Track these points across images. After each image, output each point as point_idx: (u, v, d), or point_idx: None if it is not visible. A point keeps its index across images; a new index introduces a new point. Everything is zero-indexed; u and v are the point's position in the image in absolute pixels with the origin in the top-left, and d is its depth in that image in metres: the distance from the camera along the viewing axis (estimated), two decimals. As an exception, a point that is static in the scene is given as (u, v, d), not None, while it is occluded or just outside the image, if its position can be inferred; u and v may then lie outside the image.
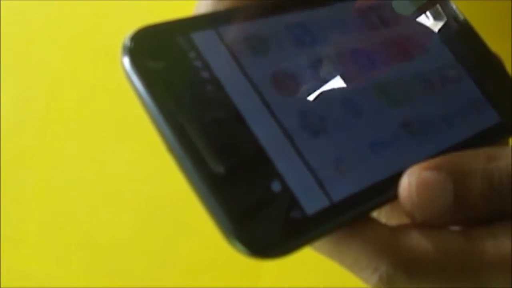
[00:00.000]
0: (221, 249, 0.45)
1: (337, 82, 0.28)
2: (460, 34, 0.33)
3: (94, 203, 0.47)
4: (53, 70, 0.51)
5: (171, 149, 0.23)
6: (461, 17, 0.33)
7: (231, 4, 0.29)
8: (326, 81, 0.27)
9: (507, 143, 0.32)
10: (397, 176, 0.26)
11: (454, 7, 0.34)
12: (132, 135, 0.48)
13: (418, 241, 0.26)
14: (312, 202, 0.24)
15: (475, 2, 0.46)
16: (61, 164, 0.48)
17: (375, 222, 0.26)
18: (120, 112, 0.48)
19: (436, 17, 0.33)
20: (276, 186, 0.24)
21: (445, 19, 0.33)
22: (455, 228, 0.28)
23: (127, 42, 0.24)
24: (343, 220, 0.25)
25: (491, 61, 0.33)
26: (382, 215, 0.29)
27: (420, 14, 0.32)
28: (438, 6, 0.33)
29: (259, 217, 0.23)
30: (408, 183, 0.26)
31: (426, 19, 0.32)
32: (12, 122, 0.50)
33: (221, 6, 0.29)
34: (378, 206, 0.26)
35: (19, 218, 0.47)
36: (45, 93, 0.50)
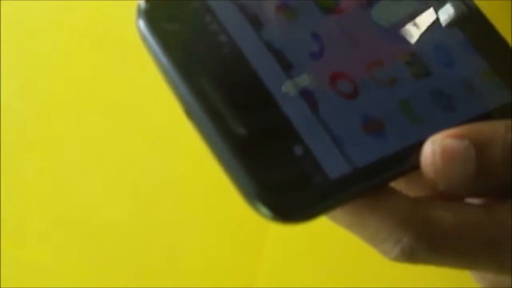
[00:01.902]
0: (221, 237, 0.45)
1: (356, 50, 0.27)
2: (471, 19, 0.33)
3: (94, 192, 0.47)
4: (55, 60, 0.51)
5: (189, 112, 0.22)
6: (472, 5, 0.33)
7: None
8: (349, 45, 0.27)
9: None
10: (419, 146, 0.26)
11: None
12: (132, 125, 0.48)
13: (440, 212, 0.26)
14: (335, 167, 0.24)
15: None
16: (61, 154, 0.48)
17: (397, 193, 0.26)
18: (121, 103, 0.48)
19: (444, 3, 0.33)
20: (298, 150, 0.23)
21: (455, 5, 0.33)
22: (474, 201, 0.27)
23: (142, 4, 0.24)
24: (365, 186, 0.24)
25: (502, 43, 0.33)
26: (398, 188, 0.29)
27: None
28: None
29: (282, 181, 0.22)
30: (431, 150, 0.26)
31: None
32: (14, 112, 0.49)
33: None
34: (399, 175, 0.26)
35: (20, 207, 0.47)
36: (46, 83, 0.50)
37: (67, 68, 0.50)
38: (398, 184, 0.28)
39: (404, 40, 0.30)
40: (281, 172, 0.23)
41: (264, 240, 0.44)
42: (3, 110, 0.49)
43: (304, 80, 0.25)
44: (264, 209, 0.22)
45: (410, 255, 0.25)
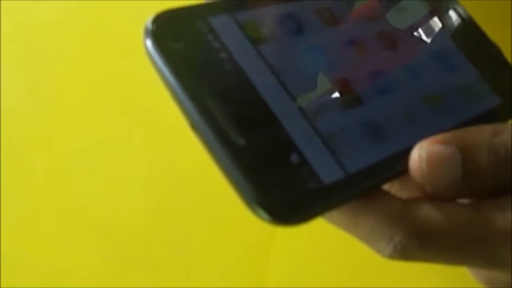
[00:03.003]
0: (229, 237, 0.45)
1: (347, 62, 0.29)
2: (460, 24, 0.34)
3: (105, 190, 0.48)
4: (65, 58, 0.52)
5: (194, 125, 0.24)
6: (462, 11, 0.35)
7: None
8: (340, 59, 0.29)
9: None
10: (408, 151, 0.27)
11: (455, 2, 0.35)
12: (142, 123, 0.49)
13: (430, 212, 0.27)
14: (329, 173, 0.25)
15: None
16: (73, 152, 0.49)
17: (389, 195, 0.27)
18: (131, 100, 0.49)
19: (437, 11, 0.34)
20: (294, 158, 0.25)
21: (446, 12, 0.34)
22: (463, 201, 0.29)
23: (149, 25, 0.26)
24: (358, 190, 0.26)
25: (490, 49, 0.34)
26: (392, 191, 0.30)
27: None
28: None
29: (279, 186, 0.24)
30: (418, 156, 0.27)
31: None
32: (25, 110, 0.51)
33: None
34: (390, 178, 0.28)
35: (31, 205, 0.48)
36: (57, 81, 0.51)
37: (73, 66, 0.52)
38: (393, 186, 0.30)
39: (397, 48, 0.32)
40: (278, 178, 0.24)
41: (272, 241, 0.46)
42: (11, 109, 0.50)
43: (300, 93, 0.27)
44: (262, 213, 0.24)
45: (402, 253, 0.27)
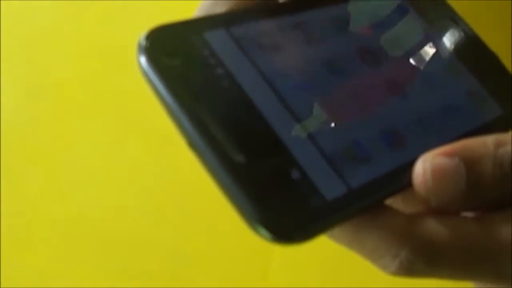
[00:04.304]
0: (228, 244, 0.45)
1: (347, 77, 0.29)
2: (460, 36, 0.34)
3: (100, 199, 0.48)
4: (60, 66, 0.52)
5: (192, 143, 0.24)
6: (461, 22, 0.34)
7: (236, 4, 0.30)
8: (336, 73, 0.28)
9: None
10: (411, 164, 0.27)
11: (451, 9, 0.35)
12: (138, 130, 0.49)
13: (435, 227, 0.26)
14: (331, 189, 0.25)
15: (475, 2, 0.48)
16: (67, 161, 0.49)
17: (393, 210, 0.27)
18: (126, 108, 0.49)
19: (434, 19, 0.34)
20: (295, 174, 0.24)
21: (445, 25, 0.34)
22: (468, 214, 0.28)
23: (143, 41, 0.25)
24: (361, 205, 0.25)
25: (489, 57, 0.34)
26: (395, 207, 0.30)
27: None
28: (435, 8, 0.34)
29: (281, 204, 0.24)
30: (422, 169, 0.27)
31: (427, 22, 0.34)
32: (19, 119, 0.50)
33: (224, 6, 0.30)
34: (393, 193, 0.27)
35: (25, 214, 0.48)
36: (51, 90, 0.51)
37: (69, 74, 0.51)
38: (396, 201, 0.29)
39: (398, 61, 0.31)
40: (279, 195, 0.24)
41: (272, 251, 0.45)
42: (8, 116, 0.50)
43: (299, 108, 0.26)
44: (264, 232, 0.23)
45: (408, 270, 0.26)
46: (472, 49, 0.34)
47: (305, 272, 0.45)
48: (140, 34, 0.25)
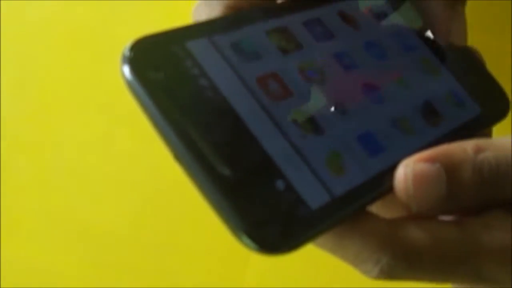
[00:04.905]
0: (215, 237, 0.45)
1: (327, 84, 0.29)
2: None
3: (90, 192, 0.48)
4: (50, 61, 0.52)
5: (178, 156, 0.24)
6: None
7: (225, 10, 0.30)
8: (316, 82, 0.28)
9: (490, 132, 0.34)
10: (392, 169, 0.27)
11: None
12: (127, 125, 0.49)
13: (415, 232, 0.27)
14: (315, 198, 0.25)
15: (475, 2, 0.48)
16: (58, 154, 0.49)
17: (374, 216, 0.27)
18: (116, 103, 0.49)
19: (410, 17, 0.34)
20: (280, 185, 0.25)
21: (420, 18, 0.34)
22: (447, 217, 0.29)
23: (126, 53, 0.25)
24: (345, 213, 0.26)
25: (468, 56, 0.34)
26: (374, 211, 0.30)
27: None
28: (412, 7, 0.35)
29: (266, 215, 0.24)
30: (404, 175, 0.27)
31: (402, 19, 0.34)
32: (10, 112, 0.51)
33: (216, 11, 0.30)
34: (376, 198, 0.27)
35: (16, 207, 0.48)
36: (42, 84, 0.51)
37: (57, 68, 0.52)
38: (375, 206, 0.30)
39: (374, 65, 0.31)
40: (264, 206, 0.24)
41: (244, 272, 0.46)
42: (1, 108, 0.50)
43: (282, 117, 0.26)
44: (250, 243, 0.23)
45: (389, 274, 0.27)
46: (452, 48, 0.34)
47: (283, 275, 0.46)
48: (121, 51, 0.25)
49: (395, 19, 0.34)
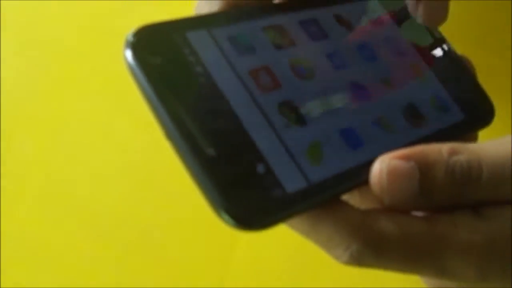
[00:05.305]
0: (204, 217, 0.47)
1: (315, 80, 0.31)
2: (426, 36, 0.36)
3: (89, 169, 0.50)
4: (62, 42, 0.54)
5: (168, 135, 0.26)
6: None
7: (225, 6, 0.32)
8: (303, 76, 0.31)
9: (475, 138, 0.35)
10: (369, 163, 0.29)
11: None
12: (129, 110, 0.51)
13: (386, 223, 0.29)
14: (292, 183, 0.27)
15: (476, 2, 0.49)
16: (61, 131, 0.52)
17: (348, 205, 0.29)
18: (119, 88, 0.51)
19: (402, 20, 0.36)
20: (260, 169, 0.27)
21: (416, 28, 0.36)
22: (419, 213, 0.30)
23: (130, 38, 0.27)
24: (318, 200, 0.28)
25: (458, 63, 0.36)
26: (352, 201, 0.32)
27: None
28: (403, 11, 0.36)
29: (245, 194, 0.26)
30: (379, 169, 0.29)
31: (394, 24, 0.36)
32: (18, 88, 0.53)
33: (216, 7, 0.32)
34: (350, 189, 0.29)
35: (18, 179, 0.51)
36: (50, 65, 0.54)
37: (72, 48, 0.54)
38: (353, 196, 0.32)
39: (363, 65, 0.33)
40: (244, 187, 0.26)
41: (235, 242, 0.48)
42: (8, 84, 0.53)
43: (269, 107, 0.29)
44: (228, 219, 0.25)
45: (358, 260, 0.28)
46: (439, 53, 0.36)
47: (264, 274, 0.47)
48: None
49: (391, 25, 0.35)
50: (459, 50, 0.37)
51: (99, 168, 0.51)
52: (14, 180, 0.51)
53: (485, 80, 0.37)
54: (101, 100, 0.52)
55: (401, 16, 0.36)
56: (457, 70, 0.36)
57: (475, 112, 0.35)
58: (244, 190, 0.26)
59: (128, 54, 0.27)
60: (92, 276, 0.48)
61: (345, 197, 0.30)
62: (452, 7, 0.36)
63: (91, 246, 0.49)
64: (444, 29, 0.37)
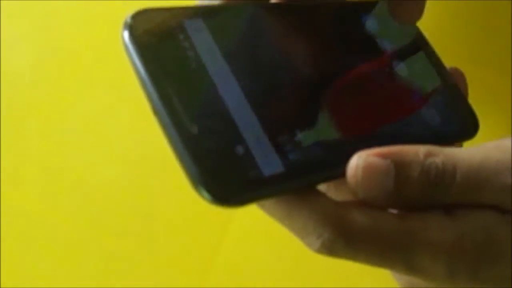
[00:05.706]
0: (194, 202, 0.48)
1: (302, 69, 0.32)
2: (412, 44, 0.37)
3: (90, 153, 0.52)
4: (71, 34, 0.56)
5: (155, 110, 0.28)
6: (421, 37, 0.38)
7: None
8: (291, 67, 0.32)
9: (460, 145, 0.36)
10: (348, 157, 0.30)
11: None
12: (129, 99, 0.53)
13: (358, 215, 0.30)
14: (269, 167, 0.29)
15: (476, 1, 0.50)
16: (64, 115, 0.54)
17: (323, 195, 0.30)
18: (122, 78, 0.52)
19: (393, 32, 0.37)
20: (239, 150, 0.28)
21: (403, 37, 0.37)
22: (393, 211, 0.31)
23: (129, 19, 0.29)
24: (294, 185, 0.29)
25: (446, 76, 0.37)
26: (328, 193, 0.33)
27: None
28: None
29: (223, 173, 0.28)
30: (356, 164, 0.30)
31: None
32: (26, 75, 0.55)
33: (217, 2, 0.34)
34: (326, 179, 0.31)
35: (20, 160, 0.53)
36: (62, 53, 0.56)
37: (81, 40, 0.56)
38: (330, 188, 0.33)
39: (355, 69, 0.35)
40: (222, 165, 0.28)
41: (221, 241, 0.49)
42: (14, 72, 0.55)
43: (253, 92, 0.30)
44: (205, 193, 0.27)
45: (329, 249, 0.29)
46: (429, 66, 0.37)
47: (249, 274, 0.48)
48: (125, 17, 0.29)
49: (382, 31, 0.37)
50: (452, 62, 0.38)
51: (100, 150, 0.53)
52: (15, 169, 0.53)
53: (472, 90, 0.38)
54: (105, 91, 0.54)
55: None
56: (445, 82, 0.37)
57: (459, 125, 0.36)
58: (222, 168, 0.28)
59: (125, 34, 0.29)
60: (81, 266, 0.50)
61: (322, 189, 0.32)
62: (444, 14, 0.37)
63: (95, 238, 0.51)
64: (438, 41, 0.38)
